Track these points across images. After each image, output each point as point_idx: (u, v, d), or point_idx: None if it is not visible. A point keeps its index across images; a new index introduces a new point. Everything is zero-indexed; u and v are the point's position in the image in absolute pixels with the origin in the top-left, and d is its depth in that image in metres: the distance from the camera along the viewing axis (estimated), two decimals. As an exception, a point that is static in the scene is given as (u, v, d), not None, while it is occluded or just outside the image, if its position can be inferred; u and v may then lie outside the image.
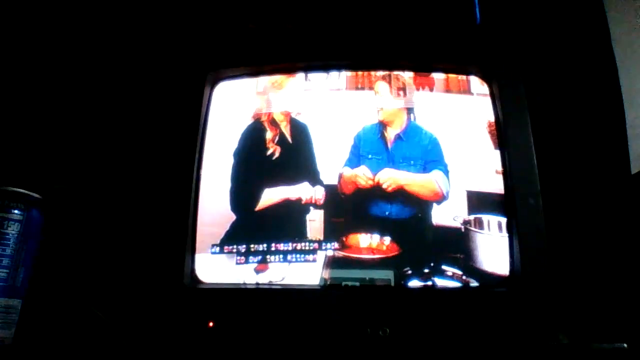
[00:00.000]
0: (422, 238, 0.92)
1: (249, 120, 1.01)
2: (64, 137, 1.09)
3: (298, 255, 0.93)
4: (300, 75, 1.03)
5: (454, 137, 0.96)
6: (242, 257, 0.94)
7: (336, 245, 0.92)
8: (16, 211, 0.82)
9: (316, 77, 1.02)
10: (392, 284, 0.89)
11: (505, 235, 0.89)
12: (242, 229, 0.95)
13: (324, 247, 0.92)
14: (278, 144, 1.00)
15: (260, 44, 1.06)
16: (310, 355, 0.82)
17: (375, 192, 0.94)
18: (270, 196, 0.96)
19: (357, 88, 1.00)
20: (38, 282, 0.87)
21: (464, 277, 0.88)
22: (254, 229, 0.95)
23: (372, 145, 0.98)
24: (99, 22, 1.14)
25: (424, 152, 0.96)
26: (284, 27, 1.10)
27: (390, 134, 0.98)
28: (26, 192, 0.84)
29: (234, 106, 1.02)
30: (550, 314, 0.83)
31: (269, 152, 0.99)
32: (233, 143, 1.00)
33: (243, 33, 1.10)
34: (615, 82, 1.02)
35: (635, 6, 1.09)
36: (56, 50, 1.12)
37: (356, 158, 0.96)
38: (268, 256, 0.93)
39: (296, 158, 0.99)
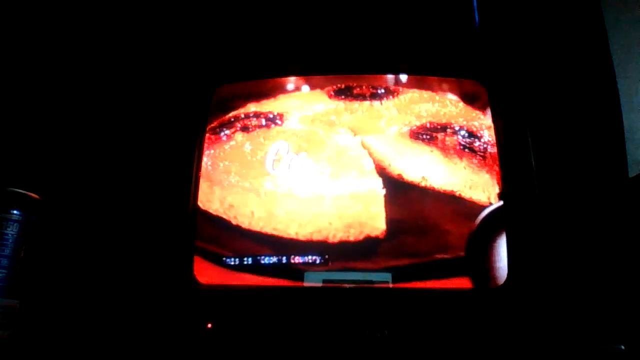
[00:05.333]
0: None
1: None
2: (64, 137, 1.09)
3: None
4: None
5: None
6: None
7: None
8: (15, 212, 0.82)
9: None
10: (390, 285, 0.89)
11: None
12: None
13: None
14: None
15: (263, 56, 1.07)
16: (308, 356, 0.82)
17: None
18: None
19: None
20: (36, 282, 0.88)
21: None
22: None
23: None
24: (101, 26, 1.15)
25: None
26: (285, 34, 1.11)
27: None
28: (25, 192, 0.84)
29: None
30: (549, 315, 0.83)
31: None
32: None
33: (247, 47, 1.10)
34: (613, 86, 1.02)
35: (633, 11, 1.10)
36: (62, 54, 1.13)
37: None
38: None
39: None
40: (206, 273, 0.92)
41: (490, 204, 0.90)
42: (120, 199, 1.05)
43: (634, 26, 1.08)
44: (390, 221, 0.89)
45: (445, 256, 0.87)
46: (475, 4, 1.07)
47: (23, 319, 0.81)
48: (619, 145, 1.00)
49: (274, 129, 0.99)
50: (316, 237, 0.90)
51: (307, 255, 0.90)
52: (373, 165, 0.93)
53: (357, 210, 0.90)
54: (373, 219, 0.90)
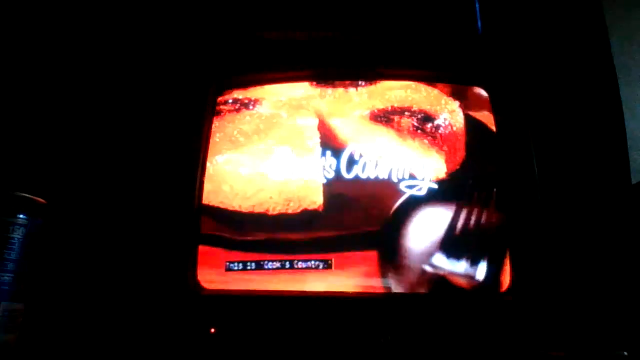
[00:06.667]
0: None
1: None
2: (69, 142, 1.09)
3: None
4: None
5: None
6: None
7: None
8: (21, 216, 0.83)
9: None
10: (392, 290, 0.90)
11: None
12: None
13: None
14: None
15: (266, 55, 1.08)
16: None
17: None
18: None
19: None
20: (42, 286, 0.88)
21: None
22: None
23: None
24: (104, 25, 1.15)
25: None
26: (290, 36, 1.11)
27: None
28: (31, 197, 0.85)
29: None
30: (551, 322, 0.83)
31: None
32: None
33: (249, 44, 1.11)
34: (616, 94, 1.03)
35: (635, 16, 1.10)
36: (65, 57, 1.13)
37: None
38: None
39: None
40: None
41: (439, 182, 0.94)
42: (124, 203, 1.05)
43: (636, 33, 1.09)
44: (328, 196, 0.95)
45: (368, 229, 0.92)
46: (478, 11, 1.07)
47: (29, 322, 0.82)
48: (621, 152, 1.00)
49: (243, 113, 1.03)
50: (257, 209, 0.95)
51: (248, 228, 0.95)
52: (321, 145, 0.98)
53: (297, 186, 0.96)
54: (312, 193, 0.95)
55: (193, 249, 0.95)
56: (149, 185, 1.04)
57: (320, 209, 0.94)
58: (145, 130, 1.09)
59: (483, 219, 0.92)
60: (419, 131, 0.97)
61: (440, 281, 0.89)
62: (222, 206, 0.97)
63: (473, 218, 0.92)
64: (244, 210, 0.96)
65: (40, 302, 0.88)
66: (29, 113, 1.10)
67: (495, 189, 0.93)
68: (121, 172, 1.07)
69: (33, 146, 1.08)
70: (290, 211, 0.95)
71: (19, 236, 0.82)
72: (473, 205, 0.93)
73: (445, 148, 0.96)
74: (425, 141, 0.96)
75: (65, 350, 0.86)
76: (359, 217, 0.93)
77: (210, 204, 0.97)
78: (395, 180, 0.94)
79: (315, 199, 0.95)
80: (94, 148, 1.10)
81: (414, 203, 0.93)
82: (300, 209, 0.95)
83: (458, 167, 0.95)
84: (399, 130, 0.97)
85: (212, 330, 0.88)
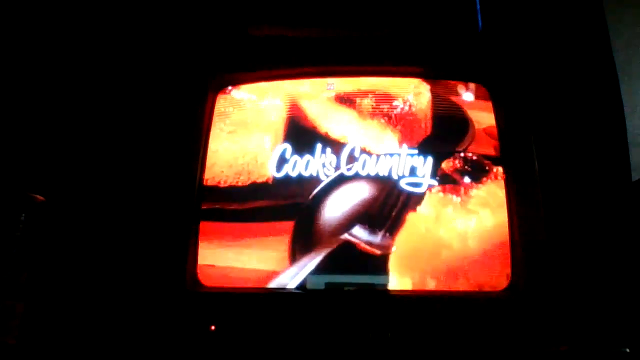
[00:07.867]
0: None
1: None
2: (69, 140, 1.09)
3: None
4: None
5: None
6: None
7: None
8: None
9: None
10: (389, 288, 0.90)
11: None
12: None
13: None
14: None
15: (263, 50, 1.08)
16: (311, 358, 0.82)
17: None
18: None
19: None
20: (41, 284, 0.88)
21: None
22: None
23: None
24: (102, 25, 1.15)
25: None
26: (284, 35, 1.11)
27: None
28: (31, 194, 0.85)
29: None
30: (553, 319, 0.83)
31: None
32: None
33: (246, 40, 1.11)
34: (616, 89, 1.03)
35: (636, 17, 1.10)
36: (63, 54, 1.13)
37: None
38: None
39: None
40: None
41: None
42: (123, 201, 1.05)
43: (636, 31, 1.09)
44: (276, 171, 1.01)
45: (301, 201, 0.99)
46: (478, 9, 1.07)
47: (28, 321, 0.81)
48: (622, 149, 1.00)
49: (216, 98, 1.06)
50: (210, 182, 1.02)
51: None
52: (280, 123, 1.04)
53: (246, 161, 1.03)
54: (261, 167, 1.02)
55: (193, 246, 0.95)
56: (147, 181, 1.03)
57: (270, 182, 1.01)
58: (143, 126, 1.08)
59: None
60: (377, 111, 1.02)
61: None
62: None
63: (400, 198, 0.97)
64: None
65: (39, 300, 0.87)
66: (29, 112, 1.09)
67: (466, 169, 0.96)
68: (120, 168, 1.07)
69: (33, 144, 1.07)
70: (240, 184, 1.01)
71: (17, 234, 0.82)
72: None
73: (399, 127, 1.01)
74: (383, 121, 1.01)
75: (65, 348, 0.86)
76: (300, 190, 1.00)
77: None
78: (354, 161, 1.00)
79: (264, 173, 1.02)
80: (93, 145, 1.09)
81: (341, 182, 1.00)
82: (249, 181, 1.01)
83: (416, 145, 0.99)
84: (360, 111, 1.02)
85: (212, 327, 0.88)
